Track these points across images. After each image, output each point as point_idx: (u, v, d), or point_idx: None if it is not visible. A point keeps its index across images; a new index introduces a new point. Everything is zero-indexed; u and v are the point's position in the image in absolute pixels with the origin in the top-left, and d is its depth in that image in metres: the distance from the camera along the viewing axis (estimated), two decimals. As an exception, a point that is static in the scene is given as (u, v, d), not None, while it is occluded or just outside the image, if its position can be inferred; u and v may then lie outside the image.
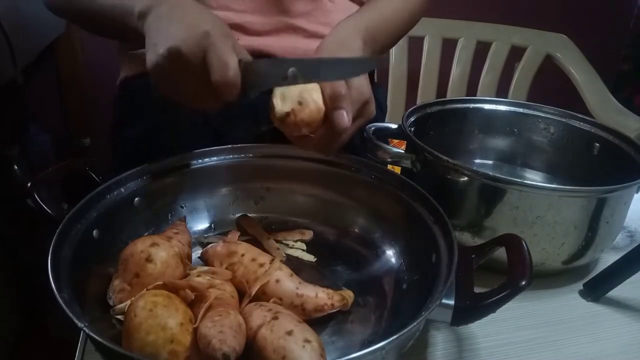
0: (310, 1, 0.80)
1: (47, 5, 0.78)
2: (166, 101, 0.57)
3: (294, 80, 0.52)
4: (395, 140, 0.90)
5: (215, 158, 0.66)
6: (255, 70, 0.53)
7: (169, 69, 0.52)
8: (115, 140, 0.87)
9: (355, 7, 0.84)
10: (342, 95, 0.55)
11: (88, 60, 1.58)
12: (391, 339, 0.40)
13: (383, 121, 0.93)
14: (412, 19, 0.83)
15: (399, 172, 0.67)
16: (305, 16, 0.81)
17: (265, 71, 0.54)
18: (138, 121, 0.81)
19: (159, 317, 0.43)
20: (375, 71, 1.03)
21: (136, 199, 0.59)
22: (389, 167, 0.69)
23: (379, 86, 0.95)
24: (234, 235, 0.61)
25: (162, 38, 0.53)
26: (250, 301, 0.51)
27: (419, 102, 1.17)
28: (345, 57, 0.59)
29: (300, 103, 0.55)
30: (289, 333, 0.43)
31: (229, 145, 0.66)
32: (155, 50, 0.53)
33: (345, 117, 0.55)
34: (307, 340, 0.43)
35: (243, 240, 0.61)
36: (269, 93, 0.56)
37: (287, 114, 0.54)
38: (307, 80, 0.53)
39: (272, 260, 0.55)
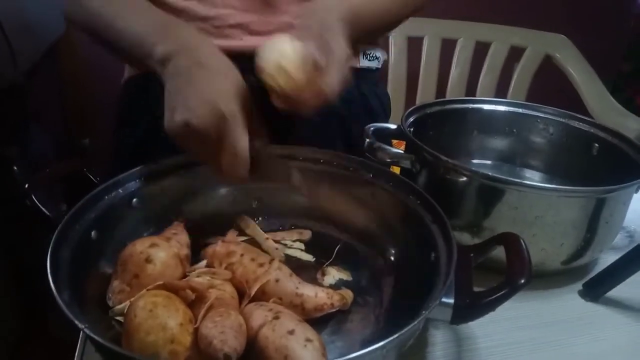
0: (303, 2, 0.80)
1: (66, 18, 0.77)
2: None
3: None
4: (395, 141, 0.90)
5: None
6: (263, 165, 0.57)
7: (183, 137, 0.54)
8: (117, 139, 0.87)
9: None
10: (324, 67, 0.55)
11: (88, 61, 1.58)
12: (391, 338, 0.40)
13: (386, 122, 0.93)
14: (403, 12, 0.81)
15: (398, 172, 0.67)
16: None
17: (272, 172, 0.59)
18: (141, 121, 0.81)
19: (159, 317, 0.43)
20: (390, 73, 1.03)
21: (134, 199, 0.59)
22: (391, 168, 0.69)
23: (382, 88, 0.95)
24: (233, 234, 0.61)
25: (179, 105, 0.54)
26: (250, 301, 0.51)
27: (418, 102, 1.17)
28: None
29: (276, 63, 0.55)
30: (291, 332, 0.44)
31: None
32: (172, 115, 0.54)
33: (333, 86, 0.55)
34: (308, 340, 0.43)
35: (242, 241, 0.61)
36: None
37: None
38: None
39: (272, 260, 0.55)
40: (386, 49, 1.43)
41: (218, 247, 0.57)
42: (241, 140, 0.53)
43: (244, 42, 0.76)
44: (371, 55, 0.85)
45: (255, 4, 0.77)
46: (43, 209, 0.54)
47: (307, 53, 0.56)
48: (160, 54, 0.58)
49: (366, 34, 0.72)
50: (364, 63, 0.84)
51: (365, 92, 0.86)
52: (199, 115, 0.52)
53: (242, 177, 0.55)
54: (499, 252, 0.51)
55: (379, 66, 0.89)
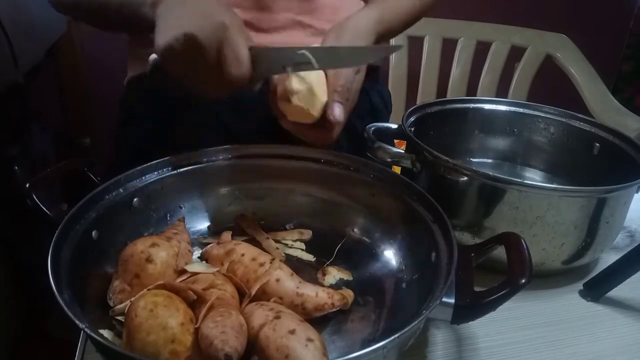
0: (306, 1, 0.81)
1: (58, 5, 0.78)
2: (174, 95, 0.58)
3: (302, 66, 0.56)
4: (396, 141, 0.91)
5: (214, 158, 0.66)
6: (265, 58, 0.56)
7: (181, 53, 0.53)
8: (120, 139, 0.87)
9: (361, 4, 0.84)
10: (339, 91, 0.59)
11: (88, 60, 1.58)
12: (392, 337, 0.40)
13: (387, 121, 0.93)
14: (419, 15, 0.84)
15: (399, 172, 0.67)
16: (313, 13, 0.81)
17: (275, 58, 0.57)
18: (144, 120, 0.81)
19: (160, 317, 0.43)
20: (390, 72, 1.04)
21: (135, 199, 0.59)
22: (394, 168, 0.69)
23: (383, 85, 0.96)
24: (227, 235, 0.61)
25: (177, 23, 0.53)
26: (251, 301, 0.51)
27: (419, 102, 1.17)
28: (357, 46, 0.61)
29: (308, 89, 0.59)
30: (292, 332, 0.44)
31: (229, 145, 0.66)
32: (169, 33, 0.53)
33: (340, 110, 0.60)
34: (309, 339, 0.43)
35: (242, 241, 0.61)
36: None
37: (296, 94, 0.59)
38: (319, 66, 0.57)
39: (272, 259, 0.55)
40: (387, 48, 1.42)
41: (215, 250, 0.57)
42: (243, 45, 0.54)
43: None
44: None
45: (253, 2, 0.77)
46: (44, 208, 0.54)
47: (329, 113, 0.61)
48: (151, 0, 0.59)
49: (387, 37, 0.74)
50: None
51: (367, 89, 0.87)
52: (200, 25, 0.52)
53: (244, 83, 0.55)
54: (500, 252, 0.51)
55: (381, 64, 0.90)
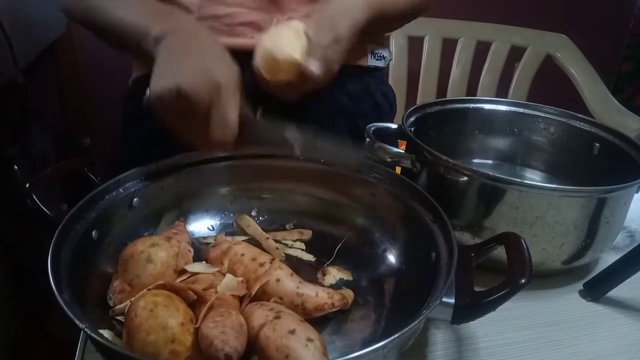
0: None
1: (65, 12, 0.78)
2: None
3: (289, 147, 0.57)
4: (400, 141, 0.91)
5: (214, 158, 0.66)
6: (253, 128, 0.57)
7: (169, 104, 0.52)
8: (124, 139, 0.87)
9: None
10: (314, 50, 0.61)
11: (89, 60, 1.58)
12: (392, 337, 0.40)
13: (392, 120, 0.93)
14: (417, 6, 0.83)
15: (399, 172, 0.67)
16: None
17: (262, 130, 0.58)
18: (148, 120, 0.81)
19: (160, 317, 0.43)
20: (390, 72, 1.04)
21: (135, 199, 0.59)
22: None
23: (387, 84, 0.96)
24: (222, 236, 0.61)
25: (171, 71, 0.53)
26: (251, 301, 0.51)
27: (419, 102, 1.17)
28: (338, 144, 0.61)
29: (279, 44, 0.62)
30: (292, 332, 0.44)
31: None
32: (161, 81, 0.52)
33: (316, 64, 0.61)
34: (309, 339, 0.43)
35: (242, 241, 0.61)
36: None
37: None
38: (300, 155, 0.60)
39: (272, 260, 0.55)
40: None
41: (212, 252, 0.57)
42: (233, 110, 0.53)
43: (255, 40, 0.77)
44: (379, 55, 0.86)
45: (264, 3, 0.77)
46: (44, 208, 0.54)
47: (305, 64, 0.60)
48: (155, 34, 0.58)
49: (380, 21, 0.73)
50: (371, 62, 0.86)
51: (372, 89, 0.87)
52: (193, 81, 0.51)
53: (226, 148, 0.56)
54: (500, 252, 0.51)
55: (385, 65, 0.90)
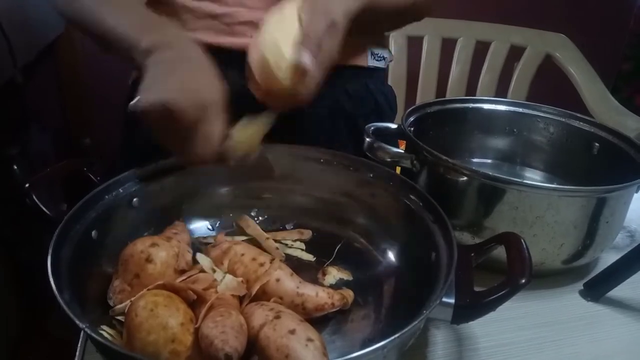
0: None
1: (60, 13, 0.77)
2: None
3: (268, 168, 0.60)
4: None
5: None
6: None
7: (154, 117, 0.52)
8: (124, 139, 0.87)
9: None
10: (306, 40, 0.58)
11: (88, 60, 1.58)
12: (392, 337, 0.40)
13: (392, 120, 0.93)
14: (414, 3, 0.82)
15: (399, 172, 0.67)
16: None
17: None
18: None
19: (160, 316, 0.43)
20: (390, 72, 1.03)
21: (135, 199, 0.59)
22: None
23: (387, 85, 0.96)
24: (222, 236, 0.61)
25: (158, 86, 0.53)
26: (251, 301, 0.51)
27: (418, 102, 1.17)
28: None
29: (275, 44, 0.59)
30: (292, 332, 0.44)
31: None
32: (148, 95, 0.52)
33: (308, 57, 0.57)
34: (309, 339, 0.43)
35: (242, 241, 0.61)
36: None
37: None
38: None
39: (272, 259, 0.55)
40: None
41: (212, 252, 0.57)
42: (217, 130, 0.54)
43: (254, 38, 0.76)
44: (379, 55, 0.86)
45: (264, 2, 0.77)
46: (43, 208, 0.54)
47: (297, 60, 0.58)
48: (144, 46, 0.58)
49: (374, 14, 0.72)
50: (372, 63, 0.85)
51: (372, 90, 0.87)
52: (179, 99, 0.51)
53: (207, 165, 0.56)
54: (500, 252, 0.51)
55: (385, 66, 0.89)
